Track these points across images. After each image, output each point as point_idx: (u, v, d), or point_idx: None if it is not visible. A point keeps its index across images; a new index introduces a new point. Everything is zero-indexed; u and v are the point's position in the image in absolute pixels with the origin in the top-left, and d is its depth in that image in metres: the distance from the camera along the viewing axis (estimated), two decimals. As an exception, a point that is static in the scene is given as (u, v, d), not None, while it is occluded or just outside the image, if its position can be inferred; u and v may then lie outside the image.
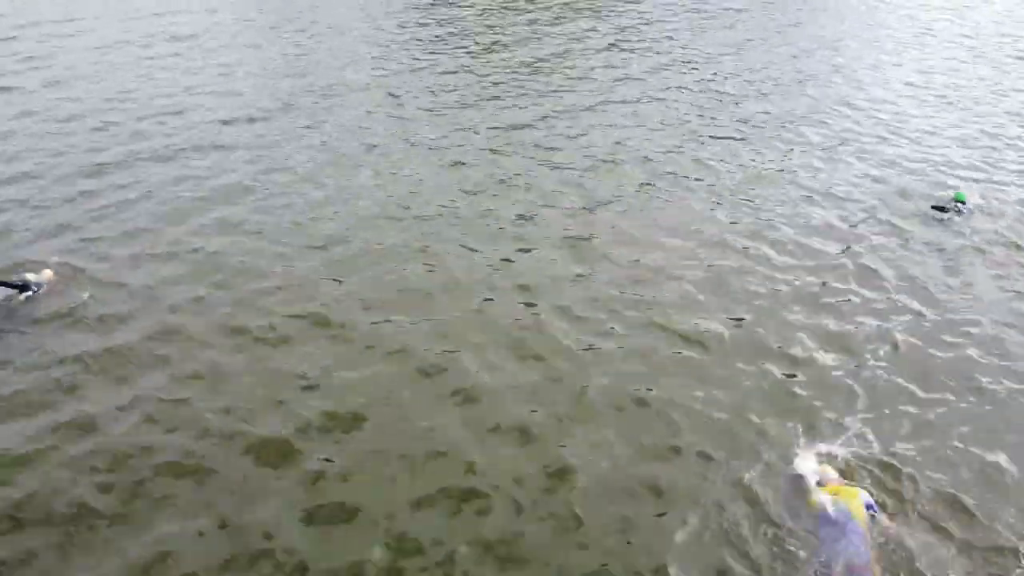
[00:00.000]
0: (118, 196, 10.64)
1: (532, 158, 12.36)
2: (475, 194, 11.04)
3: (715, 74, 17.29)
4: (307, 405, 6.78)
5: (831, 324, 8.25)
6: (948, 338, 8.10)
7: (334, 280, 8.74)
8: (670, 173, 11.93)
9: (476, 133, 13.32)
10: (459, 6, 23.98)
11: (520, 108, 14.68)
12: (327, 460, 6.20)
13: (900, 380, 7.38)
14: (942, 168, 12.56)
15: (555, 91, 15.75)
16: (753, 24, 22.62)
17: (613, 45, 19.64)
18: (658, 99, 15.44)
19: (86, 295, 8.18)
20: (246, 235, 9.76)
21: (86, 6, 22.12)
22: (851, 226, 10.51)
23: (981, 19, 24.76)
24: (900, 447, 6.48)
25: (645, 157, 12.51)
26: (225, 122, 13.57)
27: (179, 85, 15.48)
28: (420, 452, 6.30)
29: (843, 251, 9.83)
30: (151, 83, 15.55)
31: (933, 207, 10.89)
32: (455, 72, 16.83)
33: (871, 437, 6.54)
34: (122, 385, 6.98)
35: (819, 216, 10.75)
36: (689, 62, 18.20)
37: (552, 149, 12.76)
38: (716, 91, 16.15)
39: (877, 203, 11.24)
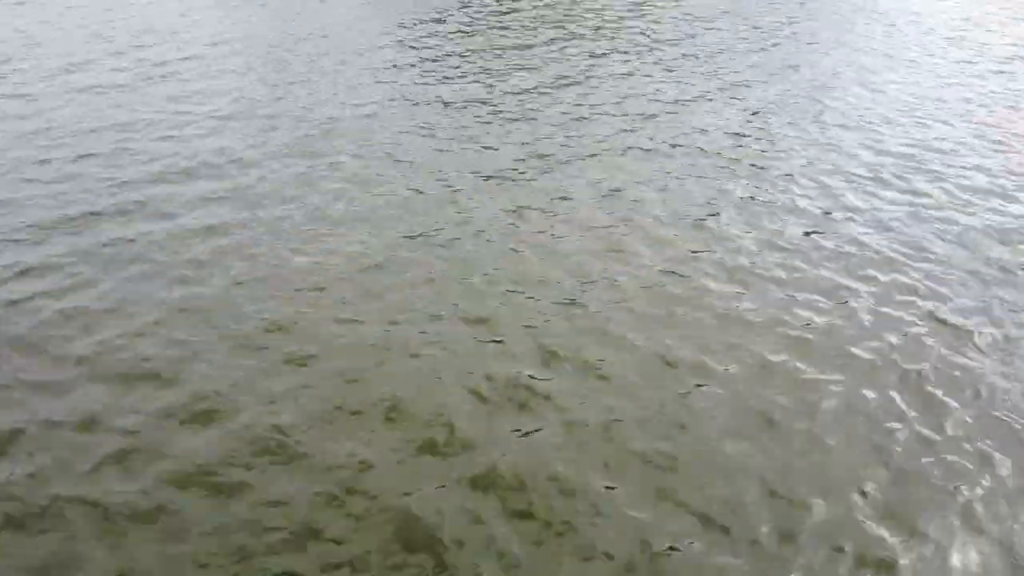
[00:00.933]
0: (37, 285, 8.76)
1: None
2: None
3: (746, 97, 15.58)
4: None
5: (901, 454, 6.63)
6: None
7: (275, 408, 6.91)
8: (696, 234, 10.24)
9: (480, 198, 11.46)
10: (453, 31, 22.35)
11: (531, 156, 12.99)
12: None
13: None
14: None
15: (560, 130, 14.11)
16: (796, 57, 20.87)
17: (630, 73, 17.95)
18: (678, 144, 13.77)
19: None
20: (167, 335, 7.84)
21: (45, 26, 20.31)
22: (930, 300, 8.98)
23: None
24: None
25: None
26: (186, 175, 11.69)
27: (135, 130, 13.51)
28: None
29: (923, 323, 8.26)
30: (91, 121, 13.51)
31: None
32: (441, 118, 15.06)
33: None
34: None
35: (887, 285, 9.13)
36: (726, 90, 16.51)
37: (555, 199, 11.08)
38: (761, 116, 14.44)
39: (955, 259, 9.73)
